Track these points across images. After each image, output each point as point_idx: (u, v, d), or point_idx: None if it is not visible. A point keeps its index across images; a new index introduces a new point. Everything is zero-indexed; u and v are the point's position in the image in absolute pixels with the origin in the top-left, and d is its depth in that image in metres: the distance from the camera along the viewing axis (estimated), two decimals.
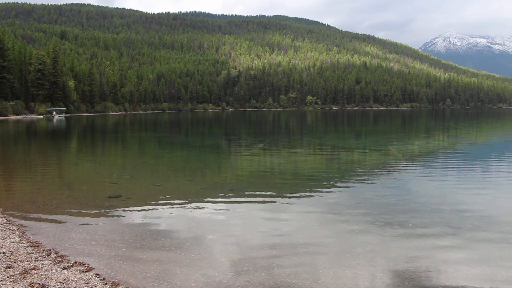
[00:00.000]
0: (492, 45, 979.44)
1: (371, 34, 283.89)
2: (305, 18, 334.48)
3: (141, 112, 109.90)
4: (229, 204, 8.36)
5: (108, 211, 7.69)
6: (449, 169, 13.01)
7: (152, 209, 7.93)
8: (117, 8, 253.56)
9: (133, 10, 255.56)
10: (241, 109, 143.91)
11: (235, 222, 7.06)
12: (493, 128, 37.62)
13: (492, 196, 9.04)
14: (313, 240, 6.10)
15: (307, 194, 9.29)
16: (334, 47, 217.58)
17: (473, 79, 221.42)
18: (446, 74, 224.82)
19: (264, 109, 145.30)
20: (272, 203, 8.39)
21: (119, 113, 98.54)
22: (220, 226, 6.86)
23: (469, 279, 4.80)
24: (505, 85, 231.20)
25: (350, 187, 10.11)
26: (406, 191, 9.58)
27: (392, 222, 6.97)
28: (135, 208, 7.94)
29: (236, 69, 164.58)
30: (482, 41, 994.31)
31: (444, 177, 11.40)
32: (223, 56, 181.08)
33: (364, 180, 10.93)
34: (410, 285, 4.63)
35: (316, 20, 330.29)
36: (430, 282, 4.72)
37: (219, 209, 7.92)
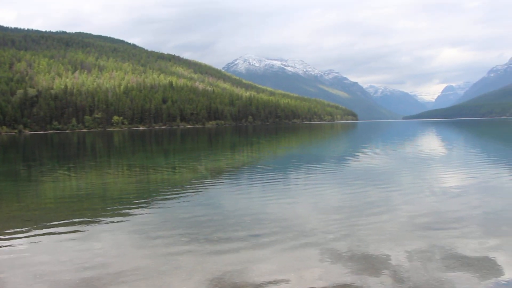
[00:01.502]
0: (285, 67, 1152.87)
1: (176, 54, 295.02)
2: (109, 37, 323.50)
3: None
4: (32, 237, 7.67)
5: None
6: (253, 182, 14.26)
7: None
8: None
9: None
10: (42, 132, 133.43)
11: (41, 259, 6.45)
12: (290, 141, 43.65)
13: (289, 204, 10.29)
14: (130, 266, 6.10)
15: (117, 217, 9.19)
16: (140, 67, 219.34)
17: (271, 97, 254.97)
18: (248, 92, 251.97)
19: (67, 131, 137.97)
20: (82, 232, 8.06)
21: None
22: (24, 265, 6.15)
23: (274, 283, 5.44)
24: (298, 102, 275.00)
25: (159, 206, 10.30)
26: (212, 205, 10.26)
27: (197, 237, 7.44)
28: None
29: (34, 88, 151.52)
30: (277, 63, 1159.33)
31: (248, 190, 12.50)
32: (18, 73, 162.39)
33: (173, 198, 11.28)
34: None
35: (121, 39, 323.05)
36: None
37: (20, 245, 7.18)
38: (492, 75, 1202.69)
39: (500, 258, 6.19)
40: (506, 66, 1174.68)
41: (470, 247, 6.68)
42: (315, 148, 33.01)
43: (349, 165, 19.12)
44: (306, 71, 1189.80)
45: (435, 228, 7.76)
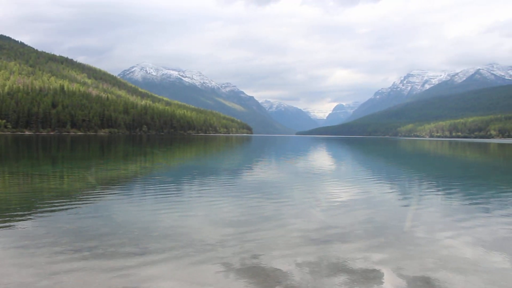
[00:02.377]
0: (183, 78, 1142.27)
1: (69, 57, 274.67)
2: None
3: None
4: None
5: None
6: (145, 193, 13.75)
7: None
8: None
9: None
10: None
11: None
12: (185, 152, 43.27)
13: (182, 217, 10.07)
14: (7, 285, 5.63)
15: None
16: (29, 67, 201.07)
17: (167, 107, 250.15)
18: (143, 101, 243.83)
19: None
20: None
21: None
22: None
23: None
24: (194, 114, 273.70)
25: (43, 218, 9.53)
26: (100, 216, 9.74)
27: (83, 253, 6.99)
28: None
29: None
30: (175, 73, 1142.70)
31: (140, 202, 12.03)
32: None
33: (58, 209, 10.54)
34: None
35: (6, 36, 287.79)
36: None
37: None
38: (377, 97, 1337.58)
39: (384, 270, 6.60)
40: (389, 89, 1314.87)
41: (356, 260, 7.04)
42: (209, 160, 33.10)
43: (243, 178, 19.36)
44: (204, 82, 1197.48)
45: (325, 241, 8.07)
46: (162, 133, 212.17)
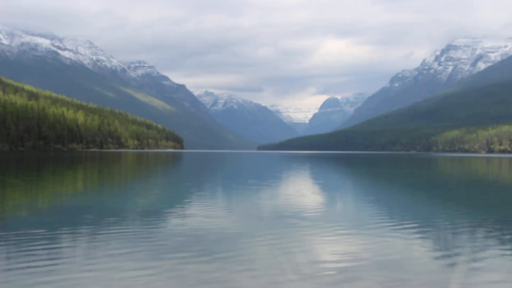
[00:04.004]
0: (60, 52, 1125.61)
1: None
2: None
3: None
4: None
5: None
6: None
7: None
8: None
9: None
10: None
11: None
12: (59, 184, 42.22)
13: None
14: None
15: None
16: None
17: (31, 102, 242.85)
18: None
19: None
20: None
21: None
22: None
23: None
24: (80, 115, 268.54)
25: None
26: None
27: None
28: None
29: None
30: (45, 42, 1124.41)
31: None
32: None
33: None
34: None
35: None
36: None
37: None
38: (396, 84, 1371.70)
39: None
40: (416, 72, 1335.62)
41: None
42: (107, 195, 32.53)
43: (167, 224, 18.93)
44: (98, 60, 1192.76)
45: None
46: (22, 148, 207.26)
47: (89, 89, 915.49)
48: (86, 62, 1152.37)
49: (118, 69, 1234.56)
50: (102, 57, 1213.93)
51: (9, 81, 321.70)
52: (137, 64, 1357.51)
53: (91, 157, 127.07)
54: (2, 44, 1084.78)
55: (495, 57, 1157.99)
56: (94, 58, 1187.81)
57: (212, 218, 21.57)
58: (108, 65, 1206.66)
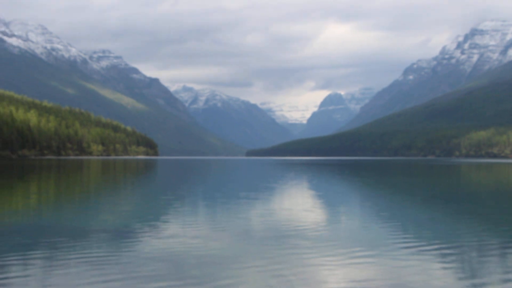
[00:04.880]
0: (7, 38, 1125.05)
1: None
2: None
3: None
4: None
5: None
6: None
7: None
8: None
9: None
10: None
11: None
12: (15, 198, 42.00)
13: None
14: None
15: None
16: None
17: None
18: None
19: None
20: None
21: None
22: None
23: None
24: (33, 115, 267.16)
25: None
26: None
27: None
28: None
29: None
30: None
31: None
32: None
33: None
34: None
35: None
36: None
37: None
38: (410, 77, 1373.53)
39: None
40: (435, 61, 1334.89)
41: None
42: (64, 213, 32.30)
43: (135, 243, 18.83)
44: (54, 49, 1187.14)
45: None
46: None
47: (43, 83, 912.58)
48: (38, 51, 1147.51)
49: (78, 60, 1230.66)
50: (58, 46, 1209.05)
51: None
52: (100, 54, 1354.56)
53: (47, 166, 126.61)
54: None
55: None
56: (49, 46, 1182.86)
57: (193, 239, 21.53)
58: (66, 55, 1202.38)
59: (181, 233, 23.43)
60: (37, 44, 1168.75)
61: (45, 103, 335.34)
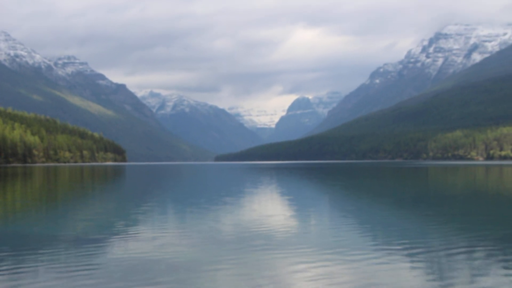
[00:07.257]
0: None
1: None
2: None
3: None
4: None
5: None
6: None
7: None
8: None
9: None
10: None
11: None
12: None
13: None
14: None
15: None
16: None
17: None
18: None
19: None
20: None
21: None
22: None
23: None
24: None
25: None
26: None
27: None
28: None
29: None
30: None
31: None
32: None
33: None
34: None
35: None
36: None
37: None
38: (377, 81, 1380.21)
39: None
40: (401, 65, 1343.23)
41: None
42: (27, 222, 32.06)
43: (105, 251, 18.77)
44: (17, 56, 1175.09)
45: None
46: None
47: (7, 90, 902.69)
48: (1, 58, 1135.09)
49: (43, 67, 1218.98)
50: (22, 52, 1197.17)
51: None
52: (66, 60, 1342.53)
53: (12, 173, 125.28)
54: None
55: (492, 46, 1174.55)
56: (12, 53, 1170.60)
57: (162, 244, 21.51)
58: (30, 62, 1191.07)
59: (151, 239, 23.36)
60: (0, 51, 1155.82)
61: (9, 110, 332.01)
